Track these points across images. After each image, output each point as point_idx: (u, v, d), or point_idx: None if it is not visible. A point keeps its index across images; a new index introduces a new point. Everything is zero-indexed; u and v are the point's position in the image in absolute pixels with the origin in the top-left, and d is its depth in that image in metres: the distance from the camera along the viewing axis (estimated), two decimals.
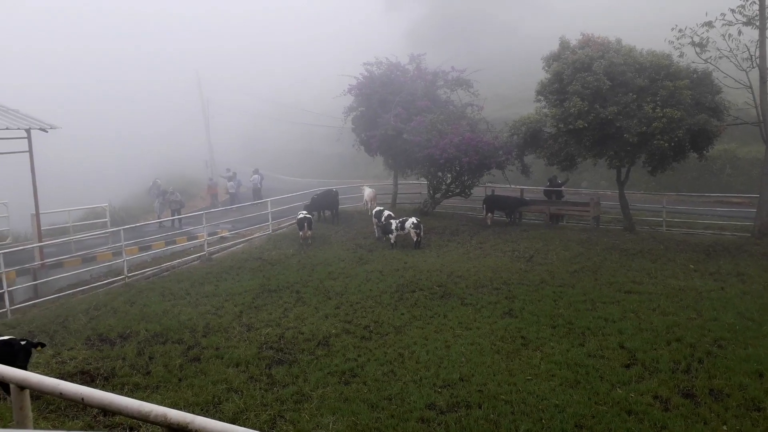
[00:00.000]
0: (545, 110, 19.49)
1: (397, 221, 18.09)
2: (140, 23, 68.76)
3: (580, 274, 14.09)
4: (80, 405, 7.23)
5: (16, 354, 7.44)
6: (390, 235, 17.97)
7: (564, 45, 19.35)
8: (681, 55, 18.05)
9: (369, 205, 23.20)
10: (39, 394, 6.38)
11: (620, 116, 17.09)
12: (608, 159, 18.60)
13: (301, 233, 18.64)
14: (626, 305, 11.54)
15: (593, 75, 17.23)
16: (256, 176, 30.68)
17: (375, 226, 19.38)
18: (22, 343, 7.68)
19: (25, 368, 6.83)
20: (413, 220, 18.03)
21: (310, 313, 11.62)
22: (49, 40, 61.31)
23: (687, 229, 19.41)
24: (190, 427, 3.28)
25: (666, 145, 16.69)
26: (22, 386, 3.78)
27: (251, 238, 20.03)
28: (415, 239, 17.73)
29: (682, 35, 18.04)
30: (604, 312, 11.15)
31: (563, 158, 19.40)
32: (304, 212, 19.27)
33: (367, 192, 23.97)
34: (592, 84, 17.16)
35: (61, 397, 3.36)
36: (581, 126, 17.29)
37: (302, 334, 10.39)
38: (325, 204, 22.25)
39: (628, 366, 8.63)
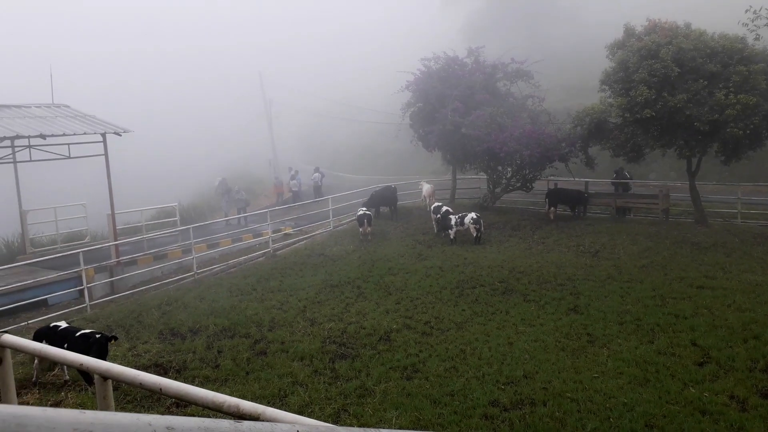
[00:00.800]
0: (610, 100, 18.88)
1: (457, 216, 17.98)
2: (204, 26, 71.17)
3: (648, 269, 13.61)
4: (156, 396, 7.60)
5: (91, 346, 7.87)
6: (449, 231, 17.88)
7: (629, 32, 18.68)
8: (757, 38, 17.03)
9: (428, 200, 23.16)
10: (119, 385, 6.75)
11: (690, 104, 16.36)
12: (678, 149, 17.86)
13: (361, 229, 18.83)
14: (698, 301, 11.06)
15: (660, 62, 16.56)
16: (316, 174, 31.17)
17: (434, 222, 19.34)
18: (97, 336, 8.13)
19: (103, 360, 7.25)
20: (473, 215, 17.88)
21: (371, 308, 11.74)
22: (121, 47, 64.32)
23: (765, 222, 18.37)
24: (262, 418, 3.40)
25: (740, 132, 15.87)
26: (105, 377, 4.00)
27: (313, 235, 20.40)
28: (475, 234, 17.58)
29: (757, 17, 17.02)
30: (675, 308, 10.74)
31: (630, 149, 18.77)
32: (364, 209, 19.46)
33: (426, 188, 23.93)
34: (660, 71, 16.49)
35: (141, 387, 3.55)
36: (648, 115, 16.66)
37: (364, 329, 10.52)
38: (384, 200, 22.36)
39: (701, 364, 8.29)
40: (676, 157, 19.25)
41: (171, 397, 3.94)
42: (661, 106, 16.56)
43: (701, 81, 16.39)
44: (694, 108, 16.34)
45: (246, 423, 1.02)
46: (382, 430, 1.29)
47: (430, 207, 21.06)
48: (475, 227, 17.57)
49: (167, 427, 0.85)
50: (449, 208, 19.06)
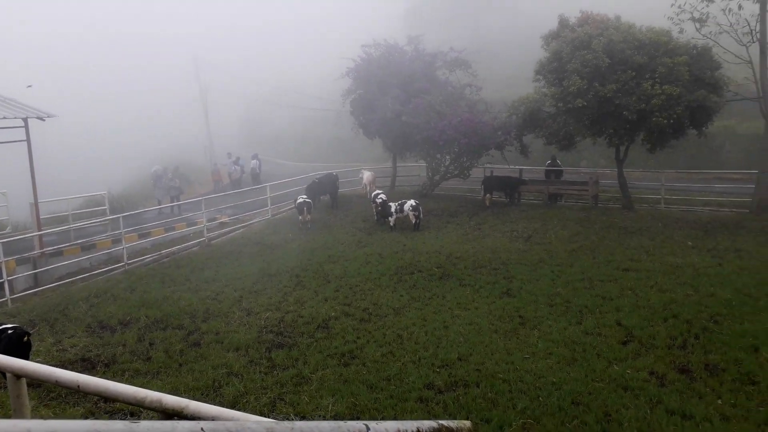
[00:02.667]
0: (544, 90, 19.40)
1: (396, 204, 18.11)
2: (138, 7, 68.24)
3: (578, 253, 14.13)
4: (81, 393, 7.31)
5: (1, 342, 7.36)
6: (389, 218, 18.00)
7: (563, 23, 19.20)
8: (681, 31, 17.88)
9: (368, 188, 23.17)
10: (37, 382, 6.44)
11: (619, 94, 17.00)
12: (607, 137, 18.57)
13: (300, 217, 18.67)
14: (624, 283, 11.59)
15: (592, 53, 17.11)
16: (254, 161, 30.60)
17: (374, 210, 19.40)
18: (9, 331, 7.66)
19: (24, 357, 6.86)
20: (412, 202, 18.04)
21: (309, 297, 11.67)
22: (47, 26, 60.85)
23: (685, 207, 19.39)
24: (185, 412, 3.32)
25: (665, 122, 16.63)
26: (18, 375, 3.81)
27: (251, 224, 20.06)
28: (413, 221, 17.76)
29: (682, 11, 17.86)
30: (602, 290, 11.21)
31: (562, 137, 19.36)
32: (304, 196, 19.27)
33: (366, 175, 23.93)
34: (591, 62, 17.04)
35: (57, 384, 3.39)
36: (580, 105, 17.21)
37: (302, 317, 10.45)
38: (324, 188, 22.20)
39: (624, 343, 8.69)
40: (605, 146, 20.01)
41: (90, 393, 3.78)
42: (592, 95, 17.13)
43: (630, 72, 17.04)
44: (622, 97, 16.99)
45: (143, 423, 0.98)
46: (298, 422, 1.27)
47: (370, 194, 21.07)
48: (414, 214, 17.75)
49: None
50: (383, 196, 19.06)
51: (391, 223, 17.92)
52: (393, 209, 17.97)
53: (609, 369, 7.82)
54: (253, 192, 23.03)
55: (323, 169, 26.78)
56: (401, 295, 11.51)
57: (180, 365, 8.62)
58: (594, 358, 8.19)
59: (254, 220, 20.43)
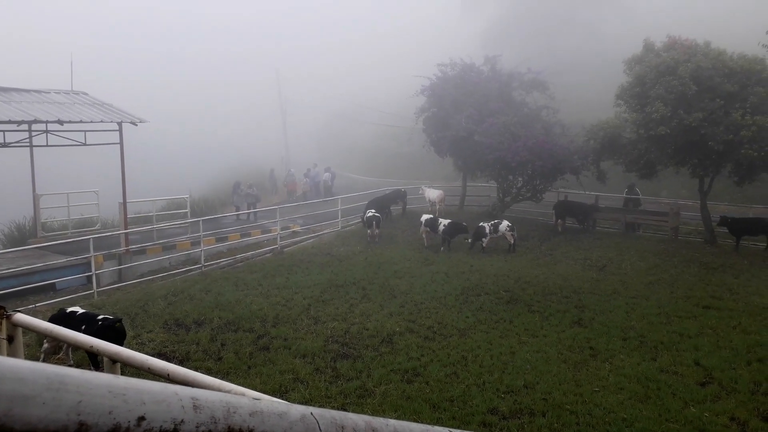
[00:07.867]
0: (625, 115, 18.88)
1: (489, 224, 17.95)
2: (224, 23, 71.62)
3: (655, 286, 13.57)
4: (165, 380, 7.66)
5: (102, 330, 7.85)
6: (483, 240, 17.77)
7: (648, 47, 18.67)
8: None
9: (437, 206, 23.08)
10: (129, 368, 6.82)
11: (705, 123, 16.32)
12: (691, 168, 17.84)
13: (369, 231, 18.88)
14: (704, 321, 11.03)
15: (678, 79, 16.54)
16: (327, 174, 31.30)
17: (423, 234, 18.56)
18: (100, 321, 8.15)
19: (118, 344, 7.27)
20: (507, 222, 17.90)
21: (375, 310, 11.77)
22: (138, 39, 64.83)
23: None
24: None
25: (755, 154, 15.80)
26: (114, 360, 4.09)
27: (321, 234, 20.48)
28: (511, 242, 17.57)
29: None
30: (680, 327, 10.71)
31: (643, 165, 18.74)
32: (373, 211, 19.51)
33: (436, 193, 23.71)
34: (677, 89, 16.46)
35: (149, 371, 3.64)
36: (663, 132, 16.63)
37: (367, 330, 10.55)
38: (391, 203, 22.38)
39: (703, 384, 8.27)
40: (688, 176, 19.20)
41: (178, 383, 3.99)
42: (676, 123, 16.52)
43: (718, 100, 16.35)
44: (709, 127, 16.30)
45: (265, 399, 1.08)
46: (392, 420, 1.32)
47: (437, 213, 20.97)
48: (511, 234, 17.57)
49: (192, 398, 0.91)
50: (431, 217, 18.76)
51: (484, 245, 17.70)
52: (487, 230, 17.77)
53: (685, 410, 7.45)
54: (324, 204, 23.53)
55: (393, 185, 27.04)
56: (467, 317, 11.41)
57: (249, 367, 8.89)
58: (669, 397, 7.84)
59: (325, 231, 20.86)
